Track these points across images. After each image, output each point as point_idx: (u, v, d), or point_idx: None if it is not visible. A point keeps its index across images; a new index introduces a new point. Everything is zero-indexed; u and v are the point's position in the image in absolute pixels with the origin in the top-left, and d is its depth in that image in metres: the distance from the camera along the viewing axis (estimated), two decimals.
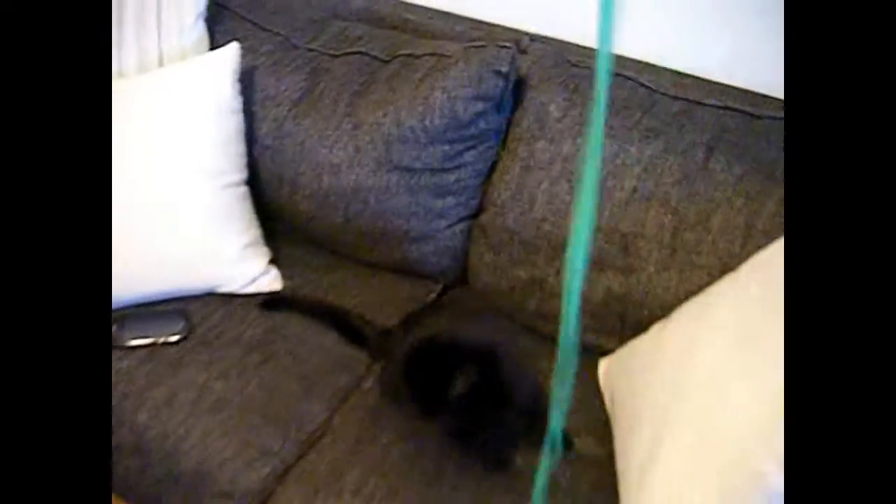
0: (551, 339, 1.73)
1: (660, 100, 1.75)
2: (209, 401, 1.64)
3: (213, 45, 2.07)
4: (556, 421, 0.78)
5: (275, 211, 2.05)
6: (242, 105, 1.94)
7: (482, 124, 1.84)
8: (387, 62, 1.97)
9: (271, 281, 1.92)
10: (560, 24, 1.97)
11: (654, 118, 1.73)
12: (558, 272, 1.76)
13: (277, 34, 2.10)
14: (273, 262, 1.96)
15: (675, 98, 1.76)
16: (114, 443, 1.63)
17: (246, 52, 1.96)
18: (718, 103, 1.73)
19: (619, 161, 1.70)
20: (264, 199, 2.03)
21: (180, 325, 1.78)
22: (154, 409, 1.63)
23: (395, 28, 2.10)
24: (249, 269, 1.89)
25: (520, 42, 1.93)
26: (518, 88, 1.87)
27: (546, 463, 0.79)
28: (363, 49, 2.01)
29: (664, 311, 1.61)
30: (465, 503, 1.45)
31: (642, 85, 1.79)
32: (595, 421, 1.60)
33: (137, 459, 1.62)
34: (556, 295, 1.78)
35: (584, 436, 1.57)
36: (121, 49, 2.01)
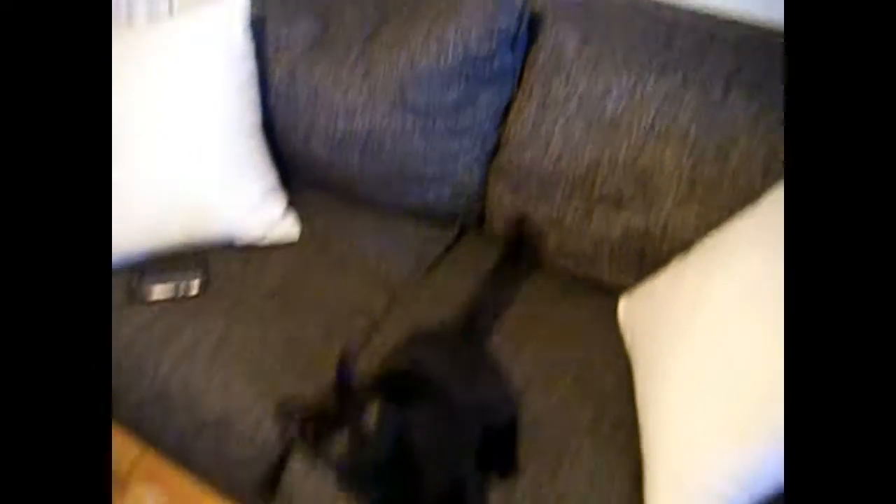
0: (572, 277, 1.75)
1: (678, 35, 1.71)
2: (229, 349, 1.64)
3: None
4: None
5: (290, 157, 2.05)
6: (254, 52, 1.92)
7: (497, 63, 1.81)
8: (399, 3, 1.93)
9: (289, 228, 1.92)
10: None
11: (672, 52, 1.69)
12: (576, 210, 1.75)
13: None
14: (290, 208, 1.95)
15: (694, 32, 1.71)
16: (137, 394, 1.66)
17: None
18: (737, 37, 1.69)
19: (635, 96, 1.67)
20: (280, 146, 2.02)
21: (200, 274, 1.79)
22: (175, 359, 1.64)
23: None
24: (267, 216, 1.89)
25: None
26: (533, 26, 1.83)
27: None
28: None
29: (684, 246, 1.59)
30: None
31: (660, 20, 1.74)
32: (615, 358, 1.59)
33: (161, 409, 1.64)
34: (574, 232, 1.77)
35: (607, 374, 1.57)
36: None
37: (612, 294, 1.73)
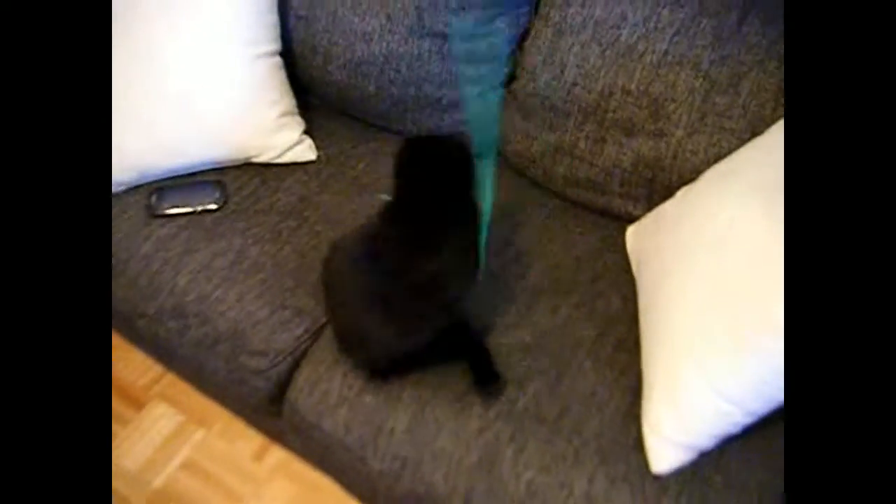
0: (581, 205, 1.77)
1: None
2: (245, 265, 1.69)
3: None
4: None
5: (308, 82, 2.06)
6: None
7: None
8: None
9: (305, 150, 1.95)
10: None
11: None
12: (588, 137, 1.76)
13: None
14: (307, 132, 1.98)
15: None
16: (154, 306, 1.70)
17: None
18: None
19: (650, 24, 1.67)
20: (298, 70, 2.04)
21: (217, 193, 1.82)
22: (192, 273, 1.69)
23: None
24: (284, 139, 1.91)
25: None
26: None
27: None
28: None
29: (693, 175, 1.60)
30: None
31: None
32: (621, 284, 1.62)
33: (177, 322, 1.69)
34: (585, 160, 1.78)
35: (611, 298, 1.60)
36: None
37: (620, 221, 1.76)
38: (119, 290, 1.74)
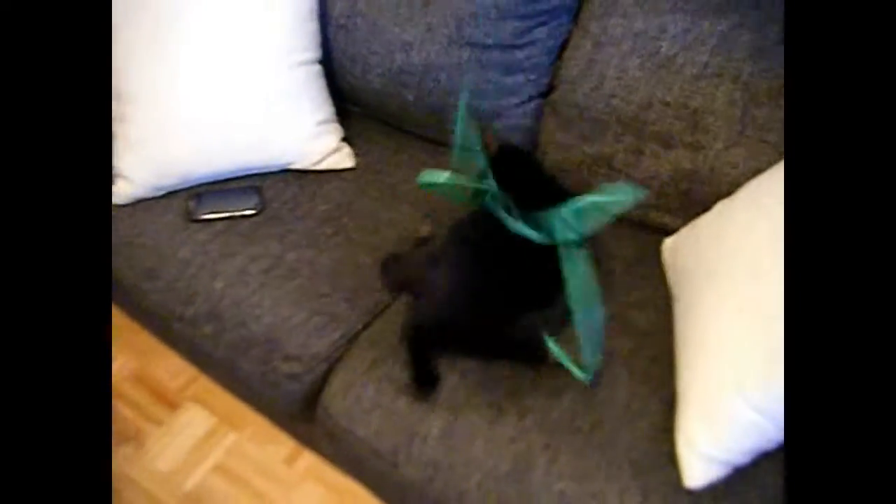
0: (617, 218, 1.76)
1: None
2: (281, 271, 1.70)
3: None
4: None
5: (348, 90, 2.09)
6: None
7: (553, 0, 1.82)
8: None
9: (343, 158, 1.96)
10: None
11: None
12: (626, 149, 1.76)
13: None
14: (345, 139, 1.99)
15: None
16: (191, 311, 1.72)
17: None
18: None
19: (690, 36, 1.67)
20: (337, 78, 2.06)
21: (254, 199, 1.84)
22: (228, 278, 1.70)
23: None
24: (322, 146, 1.93)
25: None
26: None
27: None
28: None
29: (731, 188, 1.59)
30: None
31: None
32: (657, 297, 1.61)
33: (213, 326, 1.70)
34: (623, 172, 1.78)
35: (647, 310, 1.59)
36: None
37: (656, 233, 1.75)
38: (156, 293, 1.76)
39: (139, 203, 1.85)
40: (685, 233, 1.65)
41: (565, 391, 1.44)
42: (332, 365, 1.60)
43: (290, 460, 2.15)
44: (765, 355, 1.22)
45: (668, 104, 1.69)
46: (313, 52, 1.95)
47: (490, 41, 1.86)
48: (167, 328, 1.80)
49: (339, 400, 1.53)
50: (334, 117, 1.99)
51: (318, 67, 1.96)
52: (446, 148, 1.99)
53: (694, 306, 1.43)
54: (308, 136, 1.91)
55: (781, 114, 1.59)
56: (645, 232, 1.79)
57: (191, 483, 2.11)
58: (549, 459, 1.36)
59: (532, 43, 1.87)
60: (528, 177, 1.67)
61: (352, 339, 1.61)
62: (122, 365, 2.38)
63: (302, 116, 1.90)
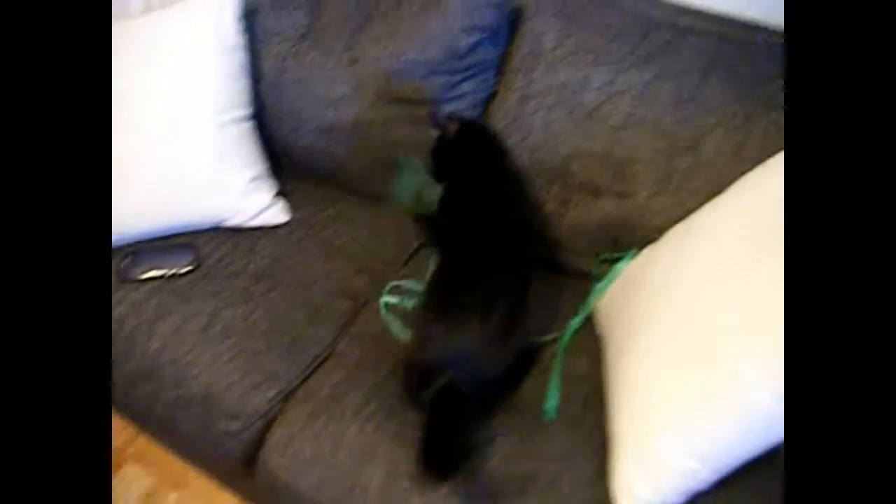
0: (549, 265, 1.79)
1: (655, 28, 1.76)
2: (217, 328, 1.70)
3: None
4: None
5: (280, 146, 2.10)
6: (246, 43, 1.98)
7: (479, 55, 1.87)
8: None
9: (277, 213, 1.97)
10: None
11: (650, 45, 1.74)
12: (554, 199, 1.80)
13: None
14: (279, 195, 2.01)
15: (671, 26, 1.76)
16: (127, 370, 1.71)
17: None
18: (713, 30, 1.73)
19: (614, 88, 1.72)
20: (270, 135, 2.08)
21: (189, 257, 1.84)
22: (165, 337, 1.70)
23: None
24: (256, 202, 1.94)
25: None
26: (514, 20, 1.89)
27: None
28: None
29: (657, 234, 1.63)
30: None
31: (638, 14, 1.79)
32: (589, 342, 1.63)
33: (151, 385, 1.70)
34: (552, 221, 1.82)
35: (580, 356, 1.61)
36: None
37: (587, 280, 1.77)
38: None
39: None
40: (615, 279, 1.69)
41: (500, 440, 1.45)
42: (270, 421, 1.60)
43: None
44: (692, 399, 1.24)
45: (593, 155, 1.73)
46: (244, 110, 1.97)
47: (418, 96, 1.89)
48: None
49: (278, 455, 1.53)
50: (267, 173, 2.01)
51: (249, 124, 1.98)
52: (378, 201, 2.02)
53: (624, 351, 1.46)
54: (241, 193, 1.92)
55: (703, 160, 1.64)
56: (576, 278, 1.82)
57: None
58: None
59: (460, 97, 1.92)
60: (483, 156, 1.70)
61: (289, 395, 1.62)
62: None
63: (235, 173, 1.91)
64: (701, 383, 1.24)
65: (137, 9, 2.06)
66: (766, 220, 1.33)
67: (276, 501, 1.62)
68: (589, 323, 1.69)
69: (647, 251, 1.62)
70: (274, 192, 1.99)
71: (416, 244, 1.95)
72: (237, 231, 1.94)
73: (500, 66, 1.92)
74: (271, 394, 1.62)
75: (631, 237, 1.72)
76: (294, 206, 2.02)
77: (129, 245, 1.87)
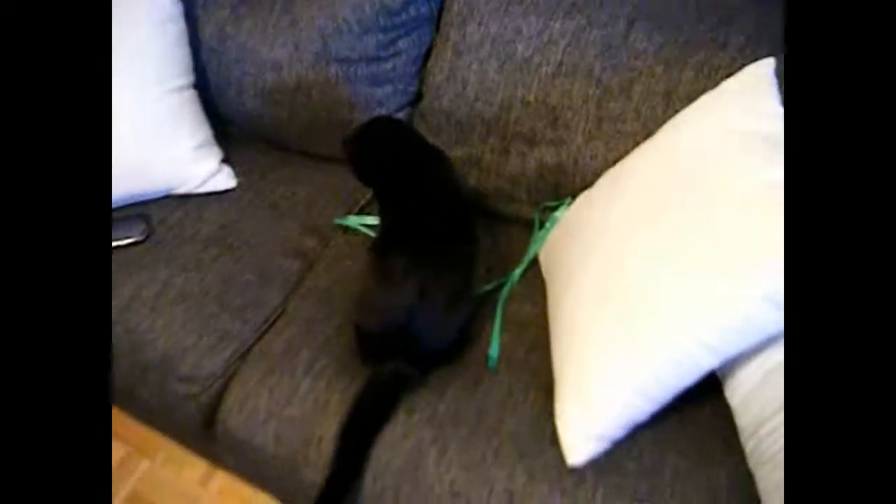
0: (491, 215, 1.82)
1: None
2: (170, 295, 1.73)
3: None
4: None
5: (224, 111, 2.13)
6: (184, 10, 1.98)
7: (413, 11, 1.89)
8: None
9: (224, 179, 2.00)
10: None
11: None
12: (493, 150, 1.84)
13: None
14: (225, 161, 2.03)
15: None
16: None
17: None
18: None
19: (544, 37, 1.75)
20: (213, 102, 2.10)
21: (140, 227, 1.87)
22: (120, 306, 1.72)
23: None
24: (203, 169, 1.97)
25: None
26: None
27: None
28: None
29: (594, 179, 1.67)
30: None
31: None
32: (534, 290, 1.68)
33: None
34: (492, 171, 1.86)
35: (524, 303, 1.66)
36: None
37: (529, 228, 1.83)
38: None
39: None
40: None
41: (449, 386, 1.50)
42: (226, 382, 1.64)
43: (204, 481, 2.18)
44: (624, 334, 1.30)
45: (528, 103, 1.76)
46: (187, 78, 1.98)
47: (356, 55, 1.92)
48: None
49: (235, 414, 1.57)
50: (213, 140, 2.03)
51: (192, 92, 2.00)
52: (323, 162, 2.05)
53: (562, 294, 1.50)
54: (188, 161, 1.94)
55: (634, 104, 1.68)
56: (518, 226, 1.86)
57: None
58: (438, 451, 1.41)
59: (396, 54, 1.94)
60: (396, 144, 1.71)
61: (244, 355, 1.65)
62: None
63: (180, 141, 1.93)
64: (630, 319, 1.29)
65: None
66: (695, 158, 1.38)
67: (238, 460, 1.67)
68: (534, 269, 1.74)
69: (582, 196, 1.66)
70: (220, 158, 2.01)
71: (361, 202, 1.98)
72: (186, 199, 1.96)
73: (436, 22, 1.95)
74: (227, 354, 1.65)
75: (570, 183, 1.76)
76: (241, 172, 2.05)
77: None
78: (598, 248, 1.44)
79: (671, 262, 1.26)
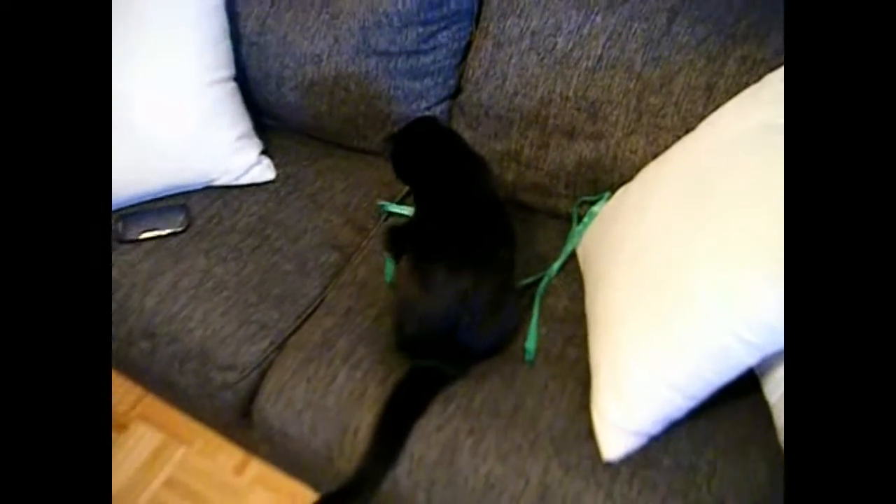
0: (529, 209, 1.82)
1: None
2: (210, 285, 1.74)
3: None
4: None
5: (264, 104, 2.14)
6: (226, 4, 1.99)
7: (453, 4, 1.90)
8: None
9: (264, 171, 2.01)
10: None
11: None
12: (532, 143, 1.84)
13: None
14: (265, 153, 2.04)
15: None
16: (125, 329, 1.75)
17: None
18: None
19: (585, 31, 1.75)
20: (253, 93, 2.11)
21: (180, 217, 1.88)
22: (159, 295, 1.74)
23: None
24: (243, 161, 1.98)
25: None
26: None
27: None
28: None
29: (633, 173, 1.67)
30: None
31: None
32: (570, 282, 1.69)
33: (148, 342, 1.74)
34: (531, 165, 1.86)
35: (561, 297, 1.67)
36: None
37: (568, 222, 1.82)
38: None
39: None
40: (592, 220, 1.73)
41: (486, 377, 1.50)
42: (264, 371, 1.65)
43: (239, 469, 2.20)
44: (661, 328, 1.29)
45: (567, 98, 1.76)
46: (228, 70, 1.99)
47: (395, 48, 1.92)
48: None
49: (272, 404, 1.58)
50: (252, 132, 2.04)
51: (233, 85, 2.01)
52: (361, 154, 2.06)
53: (600, 288, 1.50)
54: (228, 153, 1.95)
55: (674, 99, 1.67)
56: (558, 221, 1.87)
57: (144, 499, 2.15)
58: (474, 443, 1.41)
59: (436, 48, 1.95)
60: (436, 147, 1.73)
61: (281, 345, 1.66)
62: None
63: (221, 133, 1.95)
64: (667, 315, 1.29)
65: None
66: (734, 153, 1.37)
67: (274, 449, 1.68)
68: (572, 263, 1.73)
69: (621, 191, 1.66)
70: (259, 149, 2.02)
71: (399, 197, 1.98)
72: (226, 190, 1.97)
73: (476, 15, 1.95)
74: (264, 344, 1.66)
75: (608, 178, 1.76)
76: (280, 163, 2.05)
77: (122, 208, 1.91)
78: (635, 242, 1.44)
79: (708, 257, 1.26)
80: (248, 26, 2.05)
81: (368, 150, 2.10)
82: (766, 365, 1.33)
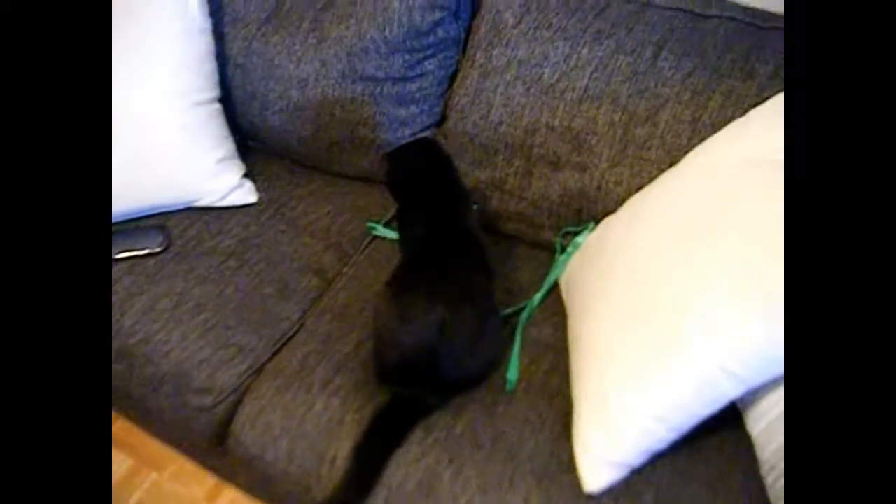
0: (513, 238, 1.82)
1: (611, 3, 1.80)
2: (187, 306, 1.73)
3: None
4: None
5: (248, 126, 2.13)
6: (212, 26, 1.99)
7: (441, 32, 1.90)
8: None
9: (245, 193, 2.00)
10: None
11: (605, 20, 1.77)
12: (516, 172, 1.83)
13: None
14: (247, 175, 2.03)
15: (626, 1, 1.80)
16: None
17: None
18: (667, 4, 1.77)
19: (571, 62, 1.75)
20: (237, 115, 2.10)
21: (159, 238, 1.86)
22: (136, 316, 1.72)
23: None
24: (225, 183, 1.97)
25: None
26: None
27: None
28: None
29: (617, 205, 1.67)
30: None
31: None
32: (554, 313, 1.67)
33: (123, 364, 1.71)
34: (515, 194, 1.85)
35: (543, 326, 1.66)
36: None
37: (551, 252, 1.82)
38: None
39: None
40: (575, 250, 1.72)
41: (466, 407, 1.49)
42: (241, 396, 1.63)
43: (212, 497, 2.16)
44: (646, 360, 1.28)
45: (553, 128, 1.76)
46: (211, 92, 1.98)
47: (382, 74, 1.92)
48: None
49: (248, 429, 1.56)
50: (236, 154, 2.03)
51: (217, 106, 2.00)
52: (345, 180, 2.05)
53: (583, 318, 1.49)
54: (210, 174, 1.94)
55: (659, 131, 1.67)
56: (540, 251, 1.86)
57: None
58: (453, 473, 1.40)
59: (423, 75, 1.95)
60: (424, 171, 1.73)
61: (259, 370, 1.64)
62: None
63: (203, 155, 1.93)
64: (654, 346, 1.28)
65: None
66: (720, 187, 1.37)
67: (250, 475, 1.66)
68: (555, 294, 1.73)
69: (605, 222, 1.66)
70: (242, 172, 2.01)
71: (382, 222, 1.97)
72: (207, 211, 1.96)
73: (463, 44, 1.96)
74: (242, 368, 1.64)
75: (592, 208, 1.76)
76: (263, 186, 2.04)
77: None
78: (621, 273, 1.43)
79: (694, 289, 1.25)
80: (235, 48, 2.04)
81: (352, 175, 2.09)
82: (748, 398, 1.33)
